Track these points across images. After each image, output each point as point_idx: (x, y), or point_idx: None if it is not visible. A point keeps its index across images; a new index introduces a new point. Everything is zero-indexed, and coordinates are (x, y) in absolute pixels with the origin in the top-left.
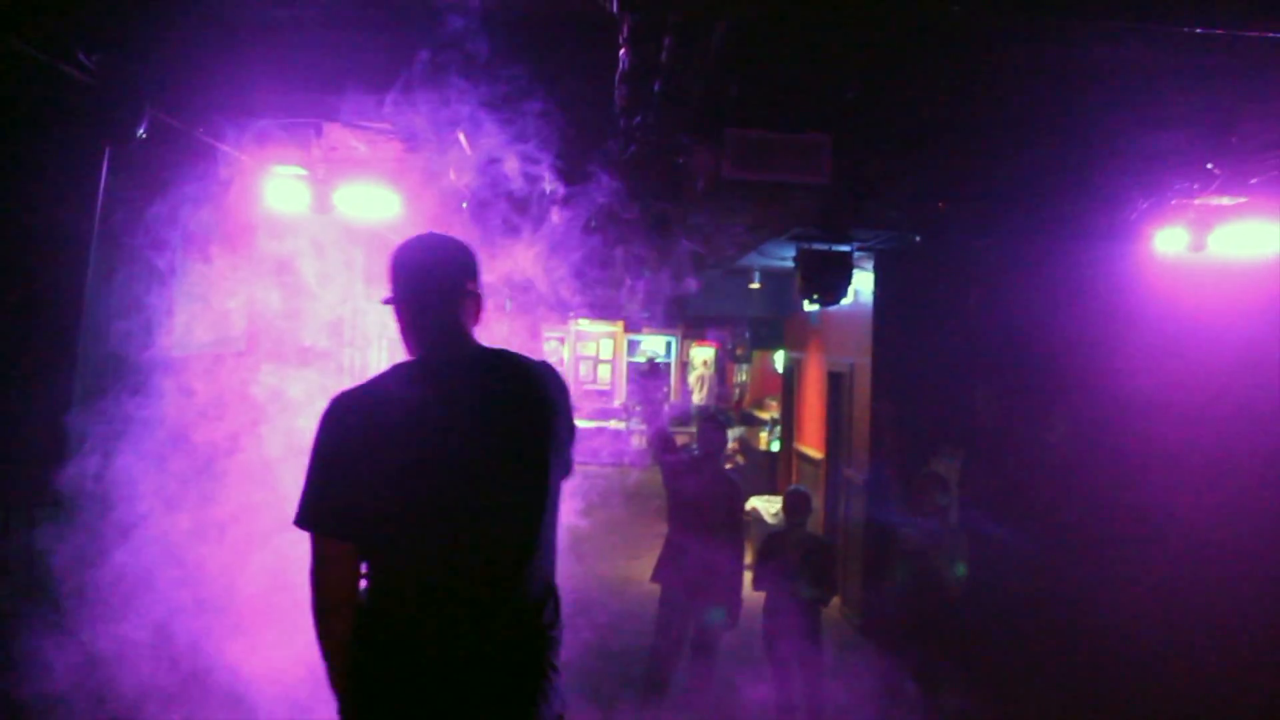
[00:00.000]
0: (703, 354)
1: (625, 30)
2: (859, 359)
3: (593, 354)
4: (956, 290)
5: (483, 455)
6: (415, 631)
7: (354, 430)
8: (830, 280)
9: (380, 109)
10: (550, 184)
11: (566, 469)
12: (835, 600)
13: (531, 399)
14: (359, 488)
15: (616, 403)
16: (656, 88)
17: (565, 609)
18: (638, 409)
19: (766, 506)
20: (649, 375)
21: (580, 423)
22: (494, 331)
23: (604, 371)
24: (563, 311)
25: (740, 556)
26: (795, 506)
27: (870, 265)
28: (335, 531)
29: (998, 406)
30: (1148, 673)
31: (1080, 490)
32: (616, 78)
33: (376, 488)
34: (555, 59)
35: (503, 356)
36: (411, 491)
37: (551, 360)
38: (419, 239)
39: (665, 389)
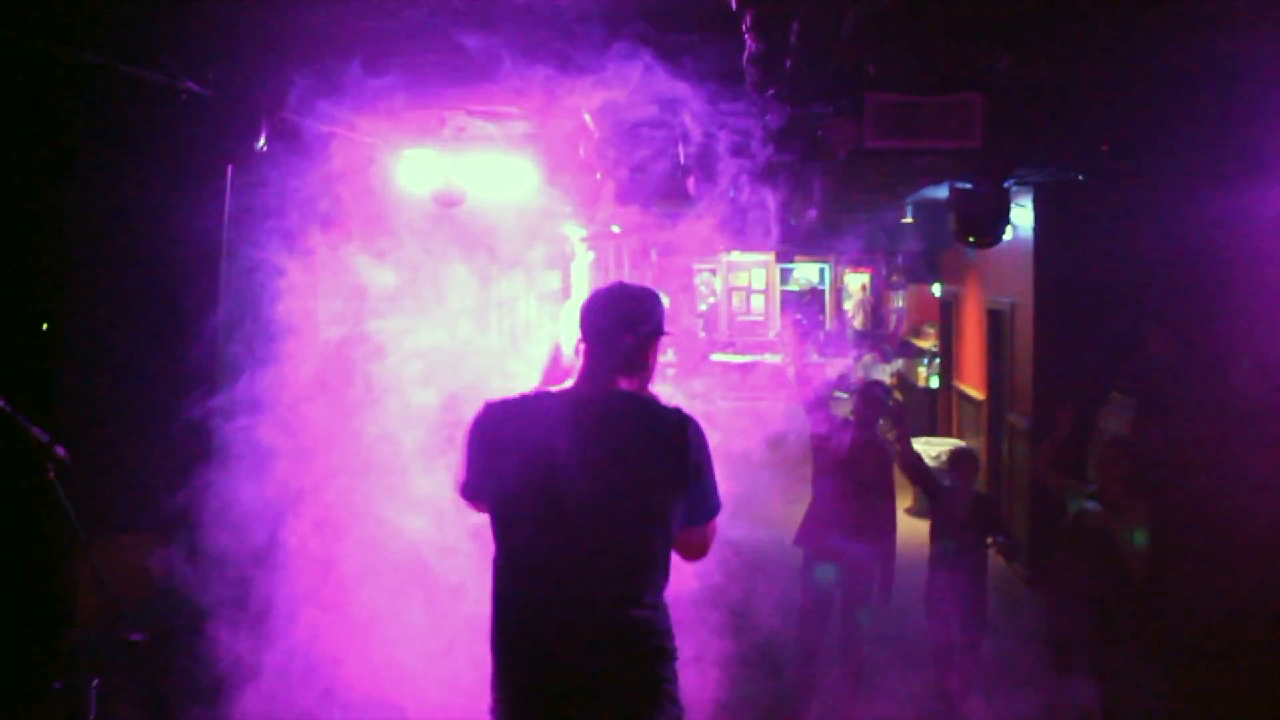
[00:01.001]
0: (858, 280)
1: (748, 20)
2: (1020, 297)
3: (745, 284)
4: (1125, 227)
5: (597, 485)
6: (525, 642)
7: (491, 433)
8: (987, 222)
9: (506, 98)
10: (684, 155)
11: (699, 511)
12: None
13: (653, 440)
14: (490, 482)
15: (771, 334)
16: (788, 66)
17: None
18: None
19: (926, 449)
20: (807, 303)
21: (734, 357)
22: (643, 273)
23: (757, 301)
24: (712, 247)
25: (893, 526)
26: (961, 466)
27: (1029, 200)
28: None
29: (1174, 351)
30: None
31: (1270, 440)
32: (745, 58)
33: (503, 488)
34: (680, 41)
35: (639, 401)
36: (528, 500)
37: (695, 323)
38: (603, 288)
39: (821, 318)
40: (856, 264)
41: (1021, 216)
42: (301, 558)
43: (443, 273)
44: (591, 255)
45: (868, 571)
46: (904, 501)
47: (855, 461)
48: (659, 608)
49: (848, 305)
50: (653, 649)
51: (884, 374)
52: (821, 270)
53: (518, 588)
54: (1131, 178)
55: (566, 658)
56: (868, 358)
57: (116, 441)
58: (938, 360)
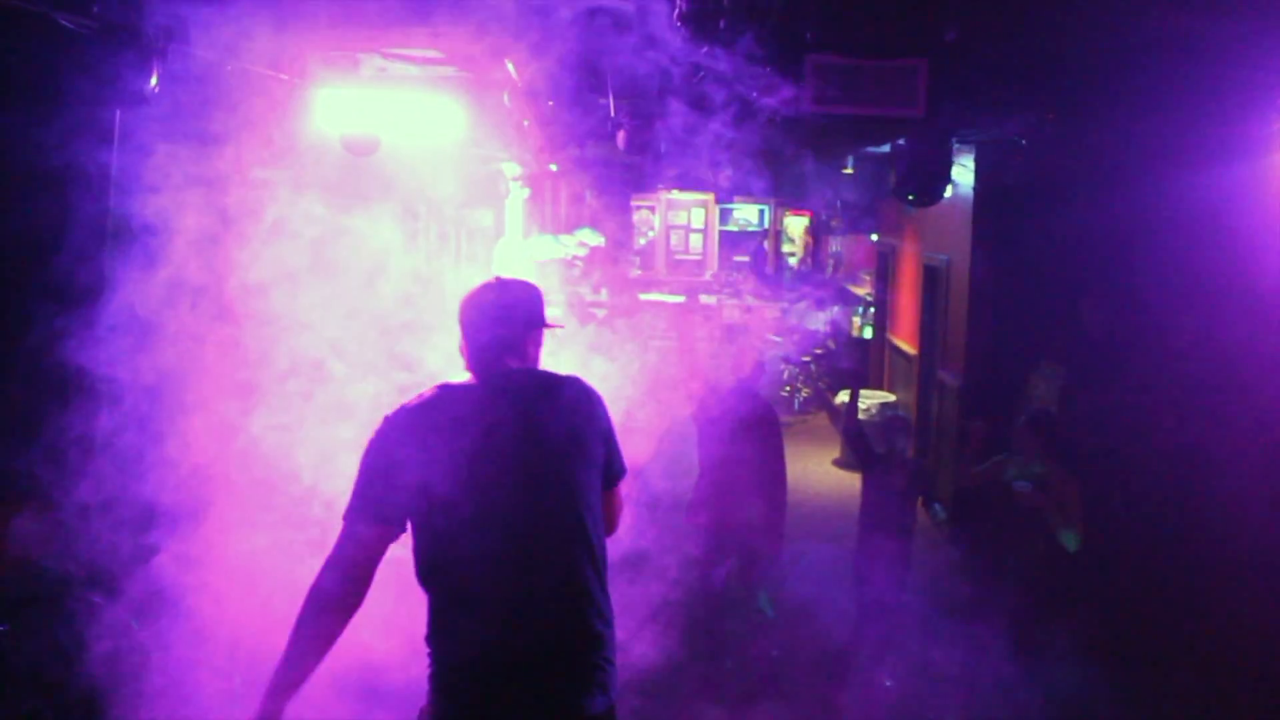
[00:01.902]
0: (799, 223)
1: None
2: (956, 255)
3: (684, 223)
4: (1065, 192)
5: (529, 467)
6: (469, 630)
7: (400, 443)
8: (927, 181)
9: (424, 41)
10: (613, 108)
11: (614, 471)
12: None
13: (568, 412)
14: (407, 496)
15: (708, 274)
16: (722, 26)
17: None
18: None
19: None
20: (754, 250)
21: (669, 297)
22: (583, 211)
23: (696, 241)
24: (651, 185)
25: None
26: (898, 435)
27: (970, 159)
28: (375, 517)
29: (1110, 318)
30: None
31: (1209, 412)
32: (674, 16)
33: (430, 495)
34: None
35: (538, 374)
36: (462, 501)
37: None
38: (478, 288)
39: (766, 263)
40: (797, 207)
41: (962, 174)
42: (183, 516)
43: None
44: (527, 192)
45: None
46: (831, 453)
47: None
48: (602, 588)
49: (787, 248)
50: (593, 634)
51: (819, 322)
52: (761, 211)
53: (459, 589)
54: (1074, 144)
55: (512, 650)
56: (802, 304)
57: None
58: (872, 310)
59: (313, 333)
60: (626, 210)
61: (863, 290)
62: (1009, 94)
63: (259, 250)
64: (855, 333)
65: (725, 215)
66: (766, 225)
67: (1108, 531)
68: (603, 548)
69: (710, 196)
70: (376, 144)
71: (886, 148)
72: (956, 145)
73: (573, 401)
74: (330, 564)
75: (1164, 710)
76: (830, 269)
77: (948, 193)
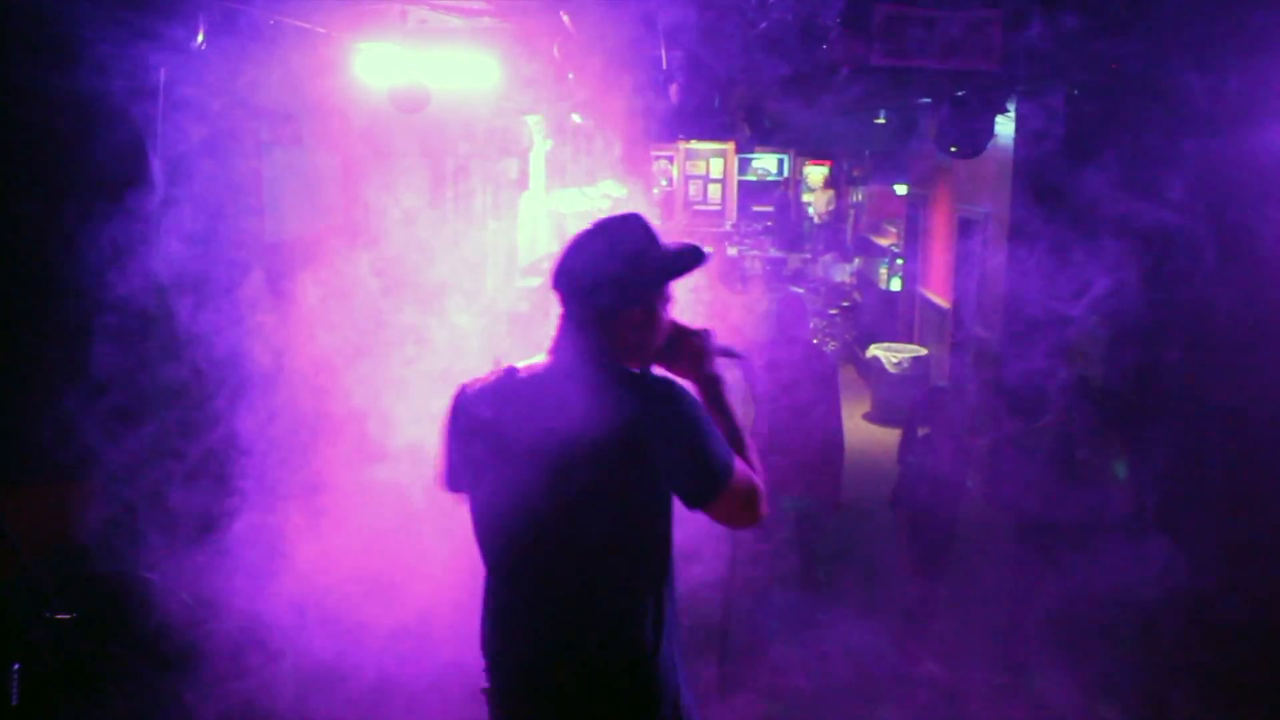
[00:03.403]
0: (818, 173)
1: None
2: (995, 208)
3: (702, 173)
4: (1113, 149)
5: (551, 495)
6: (506, 670)
7: (463, 426)
8: (972, 130)
9: None
10: (666, 61)
11: (698, 487)
12: None
13: (600, 441)
14: (466, 481)
15: (728, 225)
16: None
17: None
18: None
19: (888, 355)
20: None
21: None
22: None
23: (714, 191)
24: (670, 134)
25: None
26: (937, 407)
27: (1013, 108)
28: (449, 487)
29: (1158, 280)
30: None
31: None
32: None
33: (473, 494)
34: None
35: (593, 382)
36: (492, 511)
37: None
38: (597, 226)
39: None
40: (817, 156)
41: (1003, 125)
42: (255, 501)
43: (399, 168)
44: (550, 144)
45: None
46: (861, 407)
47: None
48: (644, 645)
49: (808, 198)
50: (636, 702)
51: (844, 273)
52: (781, 161)
53: (494, 603)
54: (1129, 98)
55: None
56: (827, 256)
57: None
58: (899, 261)
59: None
60: (646, 161)
61: (886, 241)
62: (1073, 46)
63: (300, 208)
64: (882, 284)
65: (744, 165)
66: (786, 175)
67: (1159, 488)
68: (651, 599)
69: (730, 146)
70: (427, 98)
71: (928, 99)
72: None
73: (611, 425)
74: None
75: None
76: (851, 220)
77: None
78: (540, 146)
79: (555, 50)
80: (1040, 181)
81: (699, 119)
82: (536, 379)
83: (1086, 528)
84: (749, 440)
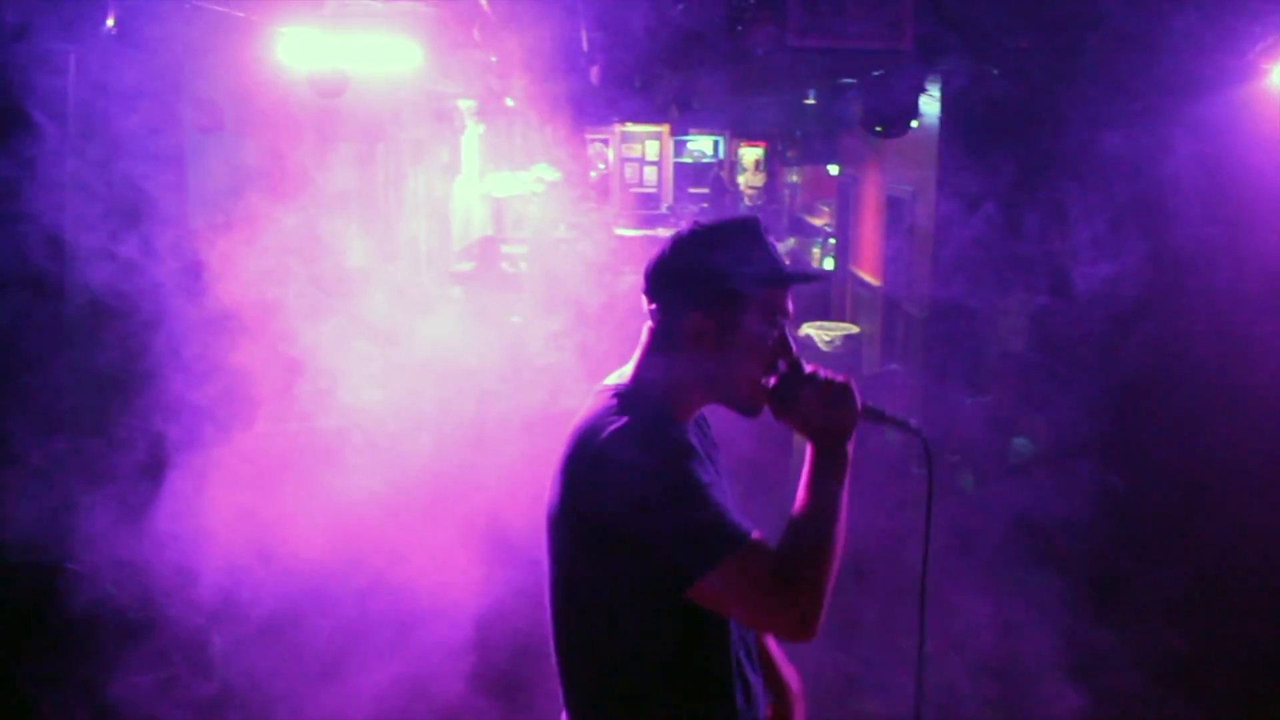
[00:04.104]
0: (752, 154)
1: None
2: (921, 186)
3: (638, 155)
4: (1038, 124)
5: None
6: None
7: None
8: (896, 113)
9: None
10: (587, 42)
11: (670, 569)
12: None
13: (568, 486)
14: None
15: (663, 207)
16: None
17: None
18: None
19: (820, 334)
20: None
21: (627, 231)
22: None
23: (650, 173)
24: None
25: None
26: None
27: (938, 89)
28: None
29: (1084, 253)
30: None
31: (1177, 348)
32: None
33: None
34: None
35: (611, 407)
36: None
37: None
38: (700, 223)
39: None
40: (751, 138)
41: (928, 105)
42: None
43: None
44: (482, 128)
45: None
46: None
47: None
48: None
49: (742, 179)
50: None
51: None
52: (716, 143)
53: None
54: (1050, 74)
55: None
56: None
57: None
58: (832, 241)
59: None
60: (581, 144)
61: (820, 221)
62: (991, 24)
63: (221, 192)
64: (816, 264)
65: (680, 147)
66: (721, 156)
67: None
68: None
69: (665, 128)
70: (346, 83)
71: (853, 78)
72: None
73: (574, 469)
74: None
75: None
76: (787, 200)
77: (913, 122)
78: (473, 130)
79: (475, 34)
80: (965, 160)
81: (623, 101)
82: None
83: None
84: (835, 544)
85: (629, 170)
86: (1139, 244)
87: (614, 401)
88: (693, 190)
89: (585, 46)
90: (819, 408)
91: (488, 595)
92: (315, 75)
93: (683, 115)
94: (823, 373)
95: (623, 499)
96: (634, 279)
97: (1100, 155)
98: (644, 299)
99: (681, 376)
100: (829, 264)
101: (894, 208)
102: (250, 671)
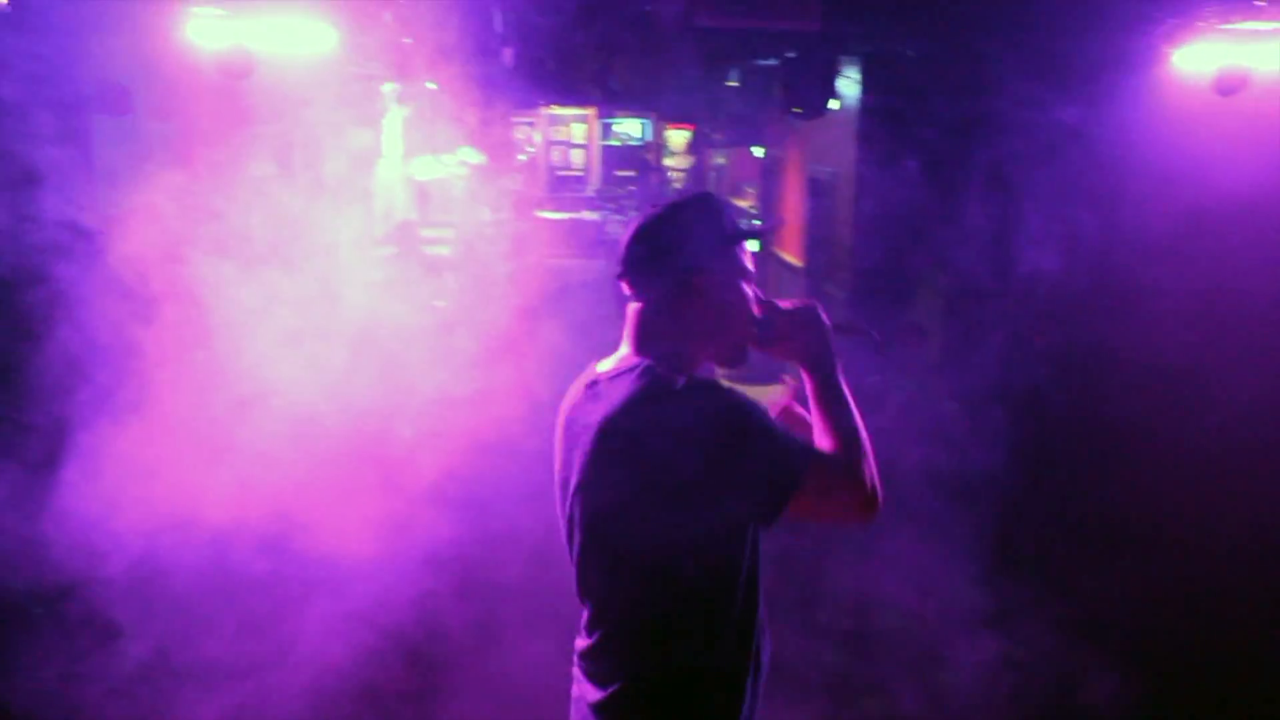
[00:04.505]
0: (680, 137)
1: None
2: (842, 168)
3: (565, 138)
4: (952, 107)
5: (571, 496)
6: None
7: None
8: (814, 94)
9: None
10: (499, 23)
11: (766, 493)
12: None
13: (597, 433)
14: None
15: (590, 190)
16: None
17: None
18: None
19: None
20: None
21: (553, 214)
22: (463, 129)
23: (577, 156)
24: (533, 101)
25: None
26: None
27: (857, 71)
28: None
29: (995, 236)
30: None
31: (1085, 336)
32: None
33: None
34: None
35: (643, 378)
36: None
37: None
38: (670, 202)
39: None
40: (679, 120)
41: (848, 87)
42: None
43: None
44: (405, 111)
45: None
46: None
47: None
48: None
49: (669, 162)
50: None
51: None
52: (643, 125)
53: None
54: (961, 56)
55: None
56: None
57: None
58: (756, 222)
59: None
60: (507, 127)
61: (746, 203)
62: (900, 7)
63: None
64: None
65: (607, 130)
66: (649, 139)
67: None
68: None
69: (592, 111)
70: (252, 65)
71: (773, 60)
72: (843, 58)
73: (639, 439)
74: None
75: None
76: (713, 183)
77: (834, 104)
78: (395, 114)
79: (387, 16)
80: (883, 141)
81: (543, 83)
82: (605, 381)
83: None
84: (864, 434)
85: (556, 153)
86: (1053, 221)
87: (648, 374)
88: (620, 173)
89: (499, 28)
90: (799, 332)
91: (394, 560)
92: (222, 56)
93: (604, 97)
94: (790, 303)
95: (714, 446)
96: (565, 261)
97: (1016, 135)
98: (624, 283)
99: (684, 343)
100: (754, 245)
101: (816, 189)
102: (161, 643)
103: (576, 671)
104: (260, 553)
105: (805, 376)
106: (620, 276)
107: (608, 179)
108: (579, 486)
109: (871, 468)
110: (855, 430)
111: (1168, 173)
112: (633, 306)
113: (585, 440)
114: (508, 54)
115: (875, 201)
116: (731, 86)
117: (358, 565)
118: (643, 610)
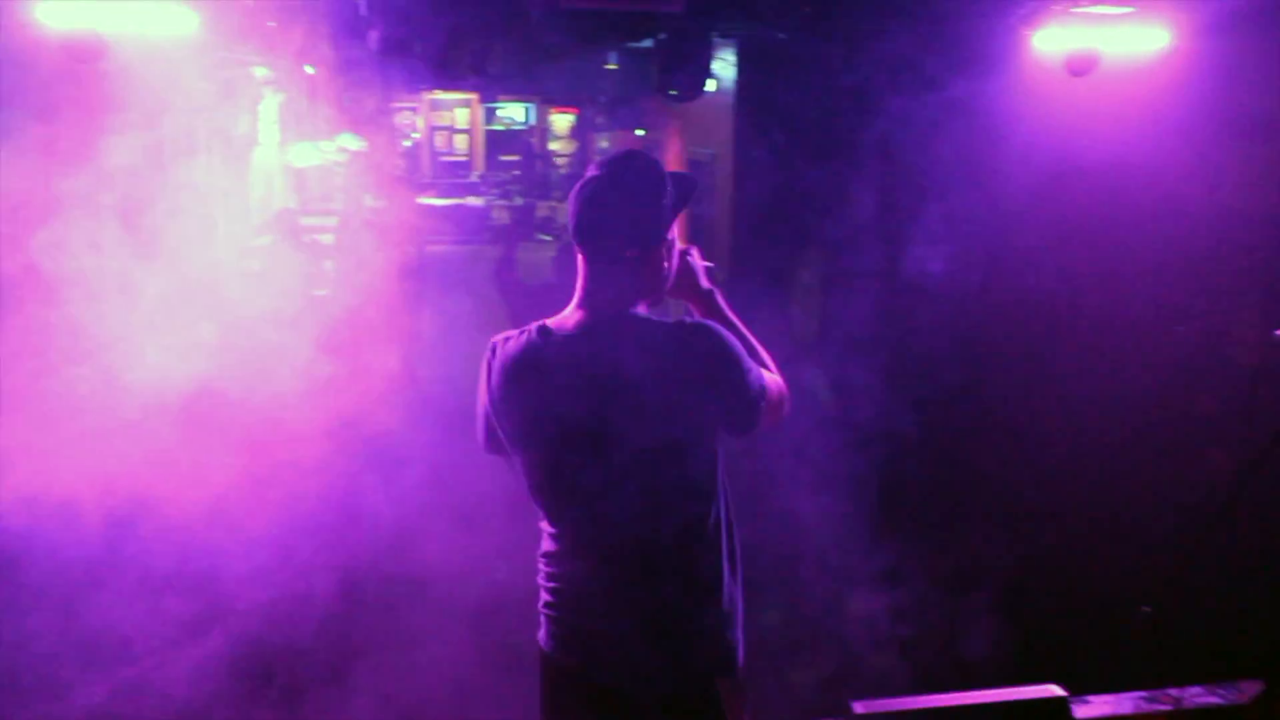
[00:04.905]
0: (564, 121)
1: None
2: (721, 150)
3: (448, 124)
4: (825, 88)
5: (602, 431)
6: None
7: (501, 390)
8: (689, 76)
9: None
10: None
11: (741, 410)
12: None
13: (660, 372)
14: (509, 443)
15: (474, 175)
16: None
17: None
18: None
19: None
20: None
21: (437, 200)
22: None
23: (461, 141)
24: (413, 85)
25: None
26: None
27: (732, 54)
28: (491, 449)
29: (870, 213)
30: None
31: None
32: None
33: (524, 456)
34: None
35: (646, 325)
36: (550, 474)
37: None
38: (613, 164)
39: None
40: (562, 104)
41: (725, 69)
42: None
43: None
44: (281, 96)
45: None
46: None
47: None
48: (709, 552)
49: (554, 146)
50: (677, 611)
51: None
52: (527, 109)
53: (558, 563)
54: (833, 39)
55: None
56: (566, 204)
57: None
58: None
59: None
60: (388, 112)
61: None
62: None
63: None
64: None
65: (490, 114)
66: (533, 123)
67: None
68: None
69: (474, 96)
70: (103, 49)
71: (650, 42)
72: (719, 40)
73: (665, 357)
74: None
75: None
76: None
77: (711, 86)
78: (272, 99)
79: None
80: (759, 121)
81: (412, 67)
82: (590, 332)
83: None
84: (756, 341)
85: (439, 138)
86: (929, 206)
87: (630, 317)
88: (504, 158)
89: (363, 10)
90: (684, 272)
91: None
92: (69, 39)
93: (480, 81)
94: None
95: (721, 370)
96: (449, 248)
97: (891, 116)
98: (584, 248)
99: (633, 296)
100: None
101: (695, 171)
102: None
103: (596, 606)
104: (105, 533)
105: (694, 308)
106: (576, 243)
107: (492, 164)
108: (619, 422)
109: (771, 367)
110: (754, 345)
111: (1029, 150)
112: (588, 266)
113: (623, 380)
114: (373, 37)
115: (753, 182)
116: (611, 70)
117: (208, 545)
118: (676, 532)
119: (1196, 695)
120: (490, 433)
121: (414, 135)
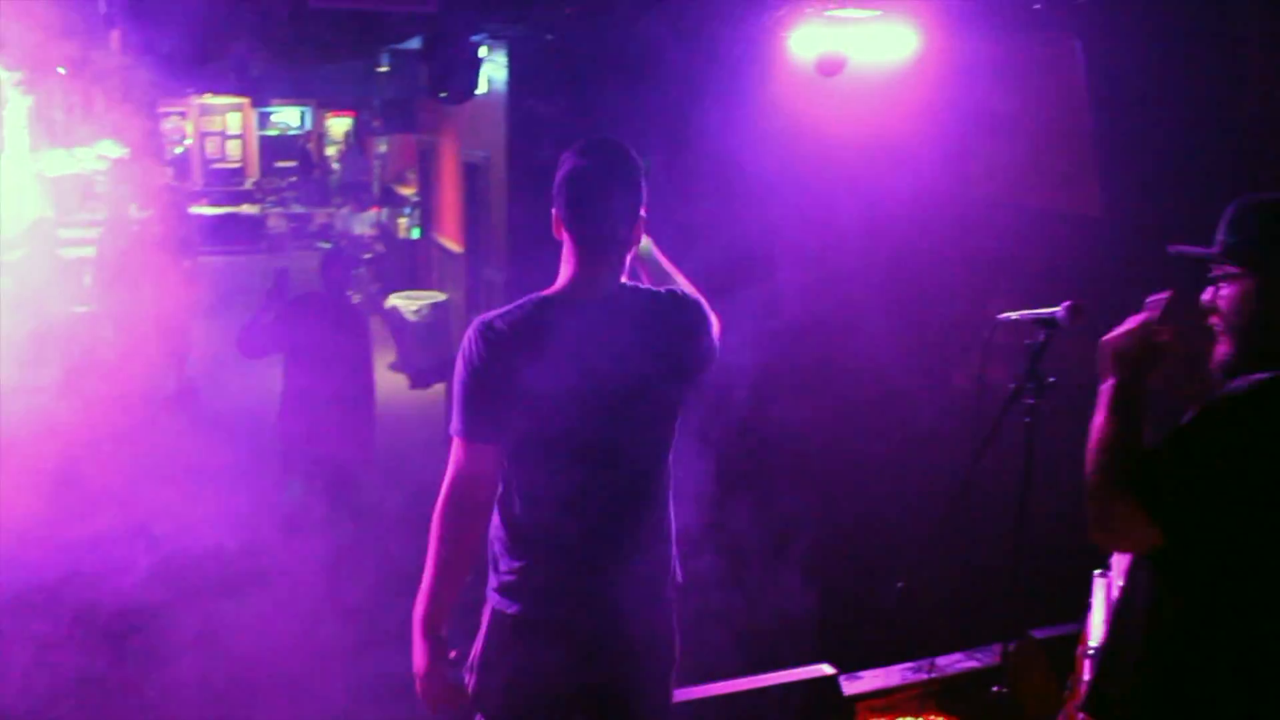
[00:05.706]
0: (341, 125)
1: None
2: (494, 151)
3: (219, 129)
4: (594, 88)
5: (619, 389)
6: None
7: (501, 365)
8: (457, 77)
9: None
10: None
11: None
12: None
13: (664, 332)
14: (505, 406)
15: (249, 183)
16: None
17: None
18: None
19: (407, 304)
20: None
21: (209, 209)
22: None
23: (234, 148)
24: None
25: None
26: None
27: (504, 56)
28: (483, 436)
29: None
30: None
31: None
32: None
33: (521, 410)
34: None
35: (639, 293)
36: (549, 421)
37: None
38: (598, 152)
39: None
40: (339, 108)
41: (496, 71)
42: None
43: None
44: (30, 100)
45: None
46: (388, 357)
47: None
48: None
49: (330, 151)
50: (664, 571)
51: (364, 225)
52: (302, 114)
53: (551, 523)
54: (595, 40)
55: (599, 601)
56: (344, 209)
57: None
58: (418, 211)
59: None
60: (153, 117)
61: (409, 190)
62: None
63: None
64: (403, 234)
65: (264, 119)
66: (309, 128)
67: None
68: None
69: (246, 100)
70: None
71: (418, 44)
72: (490, 42)
73: (678, 321)
74: (453, 486)
75: None
76: (376, 171)
77: (484, 88)
78: (19, 103)
79: None
80: (531, 122)
81: (170, 69)
82: (604, 300)
83: None
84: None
85: (210, 145)
86: (705, 206)
87: (632, 287)
88: (280, 164)
89: (103, 9)
90: None
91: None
92: None
93: (249, 84)
94: None
95: (703, 321)
96: (223, 258)
97: (660, 115)
98: (589, 231)
99: (624, 264)
100: (416, 233)
101: (470, 173)
102: None
103: (587, 558)
104: None
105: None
106: (576, 228)
107: (267, 170)
108: (653, 378)
109: None
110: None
111: (785, 148)
112: (584, 245)
113: (667, 337)
114: (114, 37)
115: (526, 183)
116: (385, 72)
117: None
118: (660, 481)
119: (956, 661)
120: (477, 412)
121: (186, 142)
